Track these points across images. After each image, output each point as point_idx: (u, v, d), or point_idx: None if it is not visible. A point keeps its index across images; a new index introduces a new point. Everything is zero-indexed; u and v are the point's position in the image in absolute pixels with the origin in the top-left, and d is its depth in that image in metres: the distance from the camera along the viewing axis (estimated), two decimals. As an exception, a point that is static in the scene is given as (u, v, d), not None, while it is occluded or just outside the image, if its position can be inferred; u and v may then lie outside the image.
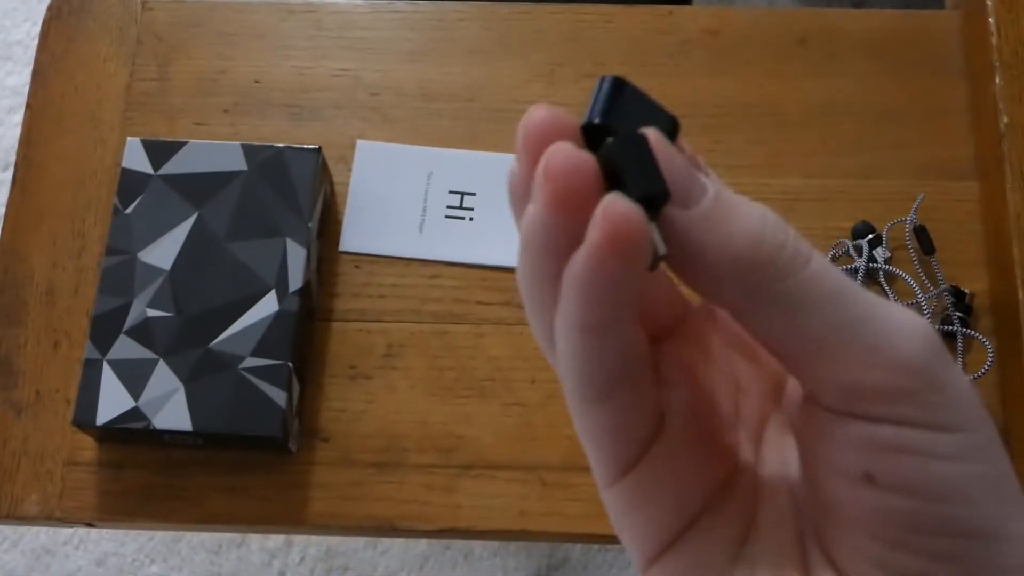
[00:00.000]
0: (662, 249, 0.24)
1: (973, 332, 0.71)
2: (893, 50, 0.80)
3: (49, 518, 0.69)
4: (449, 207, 0.76)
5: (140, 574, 1.59)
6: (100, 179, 0.77)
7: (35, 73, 0.81)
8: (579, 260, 0.23)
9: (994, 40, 0.74)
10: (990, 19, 0.75)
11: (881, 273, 0.72)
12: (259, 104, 0.79)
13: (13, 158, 0.78)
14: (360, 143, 0.77)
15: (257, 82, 0.80)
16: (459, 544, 1.58)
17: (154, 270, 0.69)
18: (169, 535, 1.60)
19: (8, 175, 1.82)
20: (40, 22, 0.82)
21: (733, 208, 0.25)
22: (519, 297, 0.72)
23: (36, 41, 0.82)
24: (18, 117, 1.86)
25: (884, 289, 0.72)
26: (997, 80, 0.74)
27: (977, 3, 0.77)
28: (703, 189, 0.25)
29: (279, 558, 1.59)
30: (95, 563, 1.60)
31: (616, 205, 0.23)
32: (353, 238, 0.75)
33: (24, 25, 1.94)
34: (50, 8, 0.82)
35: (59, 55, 0.81)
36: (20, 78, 1.90)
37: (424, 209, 0.75)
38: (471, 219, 0.75)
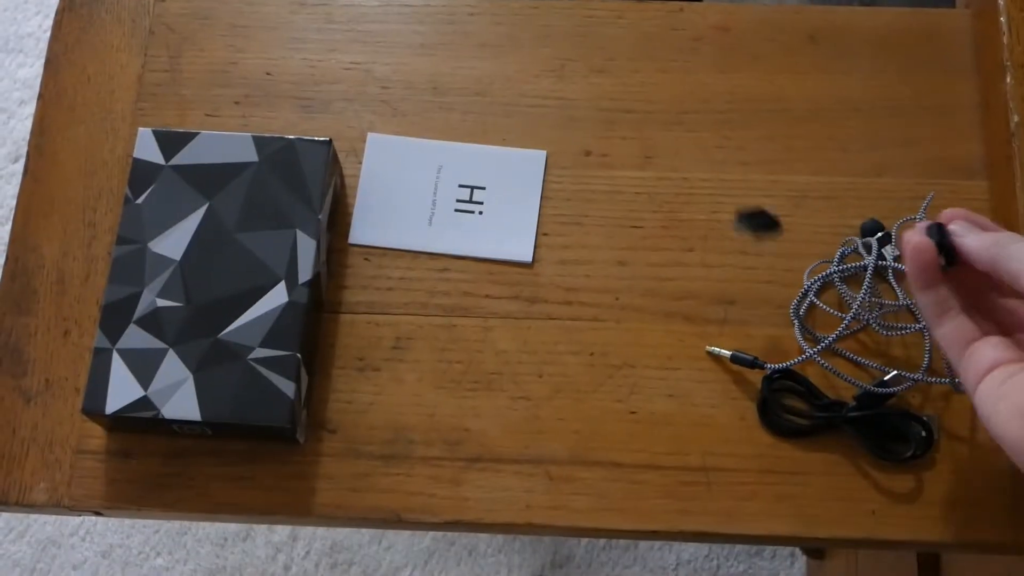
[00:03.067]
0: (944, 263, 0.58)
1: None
2: (903, 48, 0.80)
3: (57, 506, 0.70)
4: (459, 200, 0.76)
5: (146, 566, 1.60)
6: (111, 169, 0.78)
7: (47, 63, 0.81)
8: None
9: (1005, 39, 0.74)
10: (1002, 18, 0.75)
11: (890, 271, 0.72)
12: (270, 96, 0.79)
13: (24, 149, 0.78)
14: (371, 136, 0.77)
15: (268, 74, 0.80)
16: (464, 540, 1.59)
17: (164, 260, 0.70)
18: (175, 528, 1.61)
19: (19, 166, 1.82)
20: (51, 15, 0.82)
21: (1001, 255, 0.55)
22: (526, 291, 0.73)
23: (47, 33, 0.83)
24: (29, 109, 1.87)
25: (893, 287, 0.72)
26: (1008, 79, 0.74)
27: (989, 2, 0.77)
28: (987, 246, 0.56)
29: (284, 552, 1.59)
30: (101, 555, 1.60)
31: (914, 242, 0.59)
32: (363, 231, 0.75)
33: (36, 18, 1.95)
34: (63, -1, 0.82)
35: (71, 45, 0.81)
36: (31, 70, 1.90)
37: (434, 202, 0.76)
38: (480, 213, 0.75)
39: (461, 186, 0.76)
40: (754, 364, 0.70)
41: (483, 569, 1.58)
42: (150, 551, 1.61)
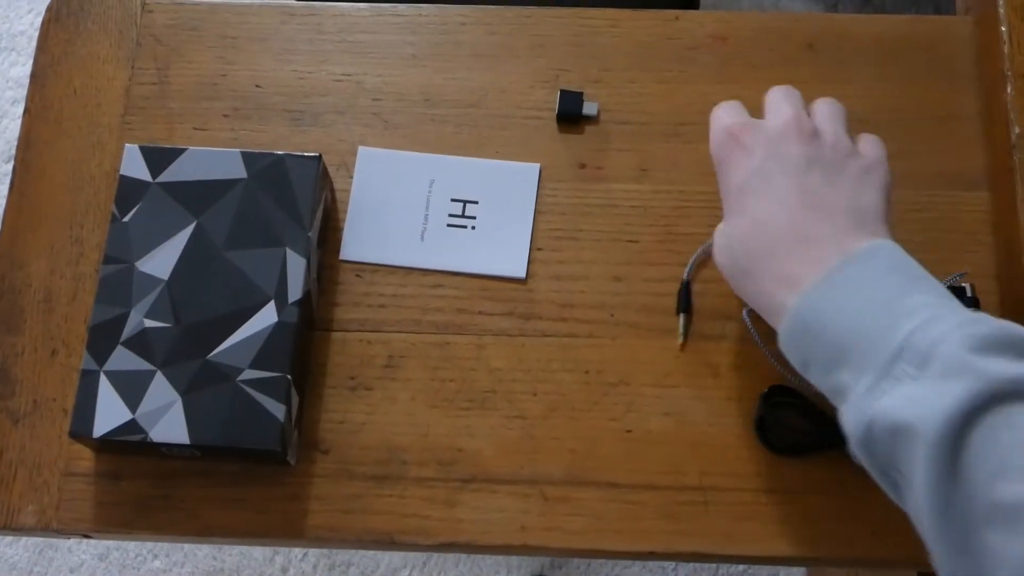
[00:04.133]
0: None
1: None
2: (904, 56, 0.79)
3: (46, 529, 0.69)
4: (451, 215, 0.75)
5: (143, 569, 1.59)
6: (98, 184, 0.76)
7: (33, 76, 0.80)
8: None
9: (1006, 49, 0.73)
10: (1002, 28, 0.73)
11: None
12: (259, 109, 0.78)
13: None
14: (361, 149, 0.76)
15: (258, 87, 0.78)
16: (462, 541, 1.58)
17: (152, 279, 0.69)
18: (172, 530, 1.60)
19: (11, 167, 1.81)
20: (44, 13, 0.81)
21: None
22: (521, 308, 0.72)
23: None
24: (22, 108, 1.85)
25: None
26: (1009, 90, 0.72)
27: (990, 10, 0.76)
28: None
29: (282, 553, 1.58)
30: (98, 558, 1.60)
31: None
32: (354, 247, 0.74)
33: (28, 16, 1.93)
34: (49, 9, 0.81)
35: (58, 57, 0.80)
36: (24, 69, 1.89)
37: (426, 217, 0.74)
38: (473, 228, 0.74)
39: (454, 200, 0.75)
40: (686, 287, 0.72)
41: (482, 570, 1.57)
42: (147, 554, 1.60)
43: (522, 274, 0.73)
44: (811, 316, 0.58)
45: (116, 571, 1.59)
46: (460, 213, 0.75)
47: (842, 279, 0.58)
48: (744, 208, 0.62)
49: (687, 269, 0.72)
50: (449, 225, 0.74)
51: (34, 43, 1.95)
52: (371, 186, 0.75)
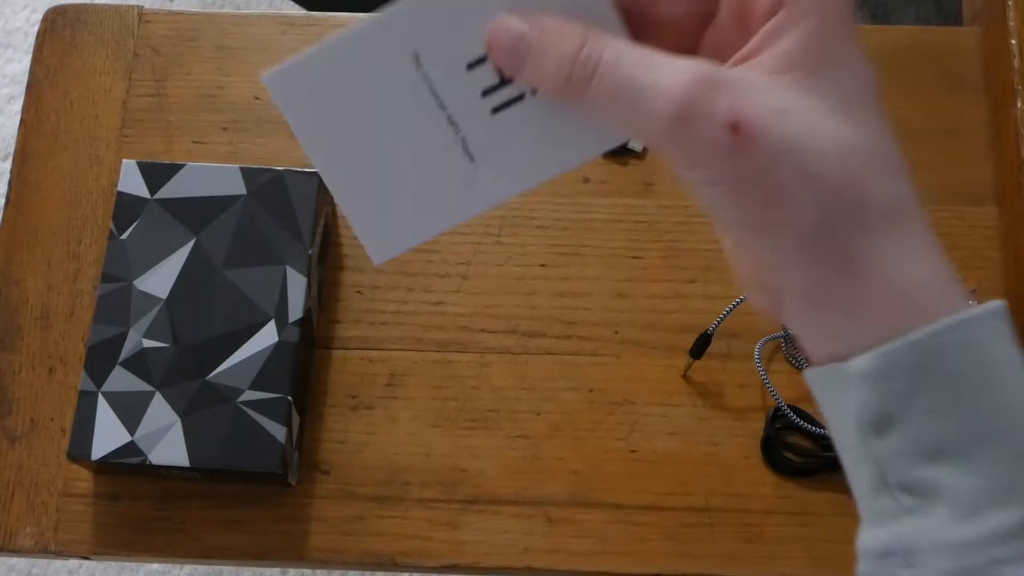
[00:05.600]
0: None
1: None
2: (911, 67, 0.77)
3: (44, 551, 0.68)
4: (485, 92, 0.39)
5: (142, 571, 1.58)
6: (96, 199, 0.75)
7: (29, 87, 0.79)
8: None
9: (1016, 62, 0.72)
10: (1012, 40, 0.72)
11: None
12: (258, 121, 0.77)
13: (13, 147, 0.76)
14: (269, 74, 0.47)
15: (257, 99, 0.77)
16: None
17: (150, 299, 0.68)
18: (171, 530, 1.59)
19: (7, 165, 1.79)
20: (40, 9, 0.80)
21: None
22: (523, 325, 0.71)
23: (36, 28, 0.80)
24: (18, 105, 1.84)
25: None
26: (1019, 104, 0.71)
27: (998, 20, 0.75)
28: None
29: (281, 555, 1.58)
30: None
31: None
32: (381, 239, 0.39)
33: (24, 12, 1.91)
34: (44, 20, 0.80)
35: (54, 69, 0.79)
36: (20, 65, 1.87)
37: (451, 120, 0.39)
38: (533, 92, 0.38)
39: (471, 65, 0.38)
40: (706, 338, 0.69)
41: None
42: (146, 555, 1.59)
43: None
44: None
45: (115, 572, 1.59)
46: (497, 84, 0.38)
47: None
48: None
49: (716, 322, 0.69)
50: (495, 110, 0.39)
51: (30, 39, 1.94)
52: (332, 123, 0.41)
